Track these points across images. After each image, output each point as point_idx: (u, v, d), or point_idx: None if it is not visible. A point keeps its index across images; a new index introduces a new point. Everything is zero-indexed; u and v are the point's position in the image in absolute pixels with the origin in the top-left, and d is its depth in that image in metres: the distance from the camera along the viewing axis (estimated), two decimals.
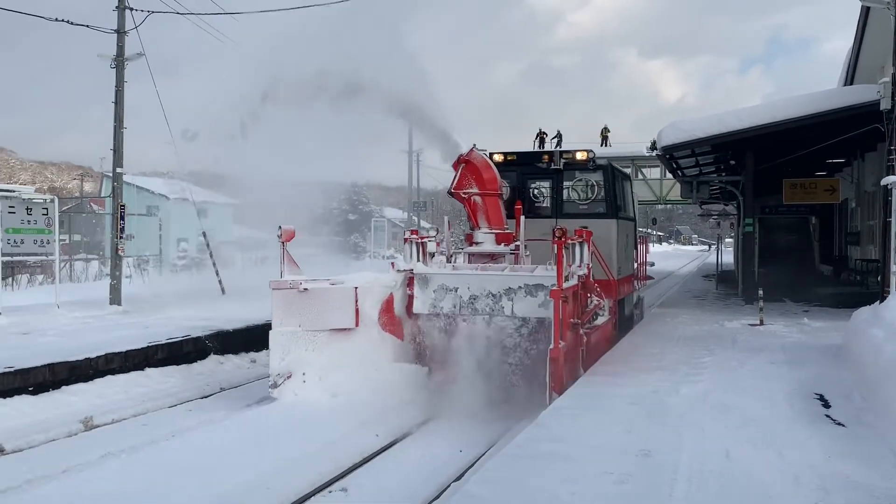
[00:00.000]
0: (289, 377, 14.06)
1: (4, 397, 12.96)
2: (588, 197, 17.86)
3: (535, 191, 18.06)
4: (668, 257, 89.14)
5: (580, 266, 14.46)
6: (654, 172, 59.41)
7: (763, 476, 7.76)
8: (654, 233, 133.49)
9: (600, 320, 15.81)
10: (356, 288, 14.55)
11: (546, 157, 17.67)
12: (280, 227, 14.15)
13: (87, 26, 25.24)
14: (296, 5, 24.75)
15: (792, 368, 13.94)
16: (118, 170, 26.51)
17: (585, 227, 16.43)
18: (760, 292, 21.93)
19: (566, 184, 17.96)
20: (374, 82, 15.08)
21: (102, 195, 67.06)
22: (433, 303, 14.79)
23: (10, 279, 32.99)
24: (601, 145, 63.25)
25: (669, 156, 28.57)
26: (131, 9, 26.14)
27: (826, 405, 11.10)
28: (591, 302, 15.01)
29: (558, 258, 12.71)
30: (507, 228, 16.04)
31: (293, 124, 18.16)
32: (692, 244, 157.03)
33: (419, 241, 15.33)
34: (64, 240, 41.86)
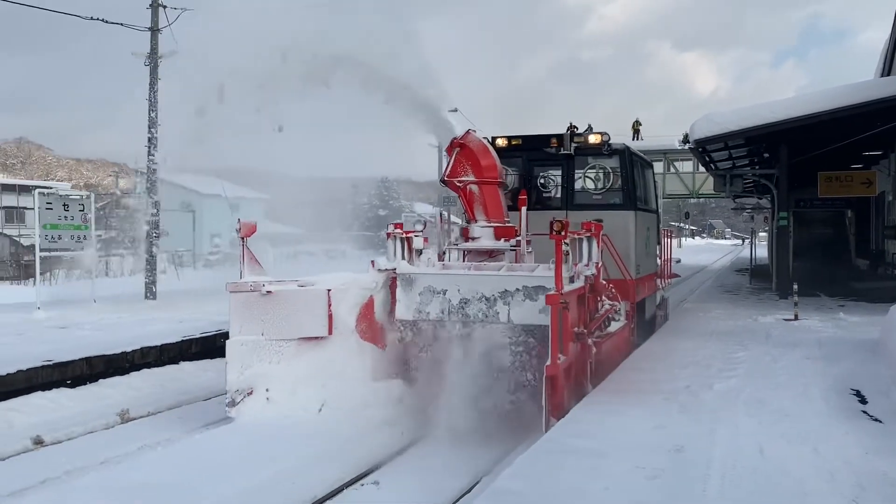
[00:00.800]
0: (249, 394, 11.79)
1: (44, 390, 13.03)
2: (602, 186, 15.28)
3: (544, 179, 15.50)
4: (701, 251, 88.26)
5: (588, 265, 11.87)
6: (686, 166, 58.87)
7: (798, 472, 7.51)
8: (687, 227, 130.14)
9: (614, 326, 13.27)
10: (329, 290, 12.15)
11: (555, 141, 15.10)
12: (238, 220, 11.80)
13: (122, 24, 25.24)
14: None
15: (828, 364, 13.37)
16: (152, 166, 26.88)
17: (599, 220, 13.92)
18: (795, 287, 20.97)
19: (578, 171, 15.37)
20: (358, 52, 12.59)
21: (137, 191, 66.06)
22: (418, 307, 12.34)
23: (48, 274, 33.10)
24: (633, 138, 62.07)
25: (702, 149, 27.63)
26: (164, 6, 26.19)
27: (863, 401, 10.72)
28: (603, 306, 12.43)
29: (557, 257, 10.18)
30: (509, 222, 13.50)
31: (318, 114, 16.07)
32: (725, 238, 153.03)
33: (403, 235, 12.81)
34: (100, 235, 41.35)
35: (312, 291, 12.11)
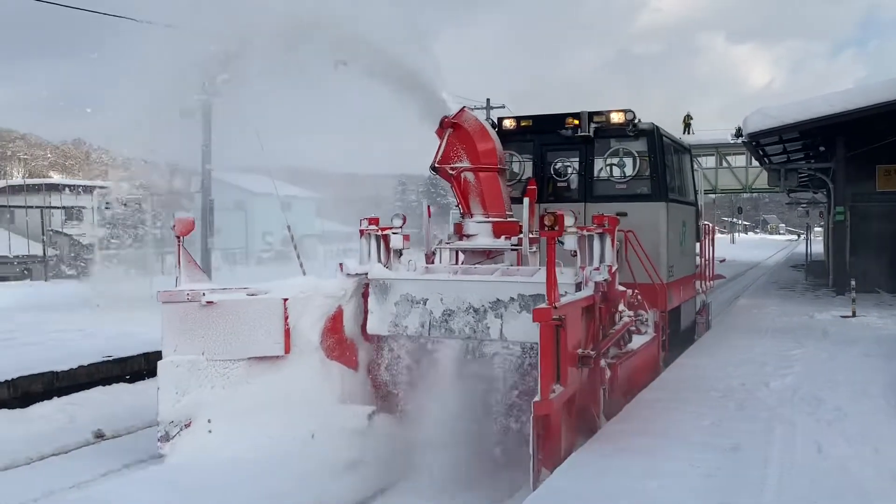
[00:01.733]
0: (187, 426, 9.32)
1: (104, 385, 12.84)
2: (627, 173, 12.50)
3: (559, 166, 12.73)
4: (755, 247, 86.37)
5: (599, 268, 9.14)
6: (739, 160, 57.10)
7: (858, 472, 7.08)
8: (740, 222, 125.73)
9: (638, 342, 10.52)
10: (285, 300, 9.60)
11: (571, 120, 12.34)
12: (174, 215, 9.38)
13: (176, 27, 23.09)
14: None
15: (887, 361, 12.51)
16: (207, 166, 26.98)
17: (623, 214, 11.21)
18: (853, 283, 19.98)
19: (599, 157, 12.60)
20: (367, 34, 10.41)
21: (192, 191, 64.93)
22: (394, 320, 9.78)
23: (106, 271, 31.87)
24: (684, 133, 59.32)
25: (756, 143, 26.38)
26: None
27: None
28: (621, 318, 9.68)
29: (549, 259, 7.50)
30: (513, 216, 10.85)
31: (363, 110, 14.13)
32: (780, 233, 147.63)
33: (379, 233, 10.19)
34: (156, 233, 40.42)
35: (264, 301, 9.61)
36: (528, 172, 12.83)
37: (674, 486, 6.72)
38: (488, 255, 10.93)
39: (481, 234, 10.81)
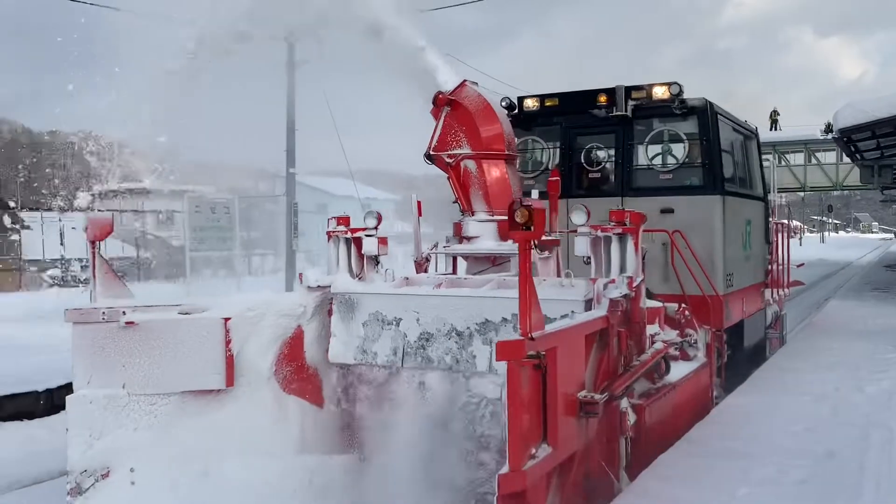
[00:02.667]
0: (104, 476, 7.19)
1: None
2: (674, 160, 9.92)
3: (591, 154, 10.20)
4: (846, 246, 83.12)
5: (614, 281, 6.67)
6: (828, 157, 54.02)
7: None
8: (830, 221, 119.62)
9: (681, 370, 7.99)
10: (226, 319, 7.38)
11: (604, 97, 9.79)
12: (87, 216, 7.30)
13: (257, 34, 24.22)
14: None
15: None
16: (291, 170, 26.90)
17: (668, 210, 8.72)
18: None
19: (639, 141, 10.05)
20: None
21: (276, 194, 64.51)
22: (361, 345, 7.46)
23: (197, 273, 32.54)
24: (770, 129, 56.38)
25: (847, 139, 25.32)
26: None
27: None
28: (653, 343, 7.18)
29: (521, 272, 5.09)
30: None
31: None
32: (873, 232, 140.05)
33: (349, 235, 7.88)
34: (243, 236, 40.15)
35: (199, 322, 7.44)
36: (557, 161, 10.37)
37: (765, 494, 6.34)
38: (493, 261, 8.54)
39: (484, 235, 8.44)
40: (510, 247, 8.29)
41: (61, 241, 47.16)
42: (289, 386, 7.70)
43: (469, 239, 8.53)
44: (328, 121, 27.25)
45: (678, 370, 8.18)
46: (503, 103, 10.13)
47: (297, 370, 7.74)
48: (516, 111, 10.31)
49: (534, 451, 5.22)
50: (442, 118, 8.53)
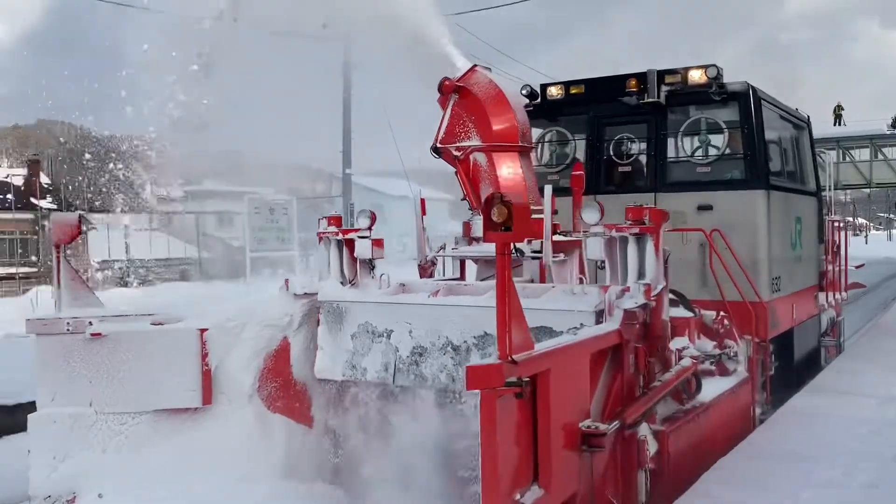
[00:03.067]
0: (70, 502, 6.47)
1: None
2: (713, 151, 8.83)
3: (621, 146, 9.15)
4: None
5: (629, 290, 5.68)
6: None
7: None
8: None
9: (714, 390, 6.95)
10: (202, 330, 6.56)
11: (634, 83, 8.72)
12: (51, 218, 6.63)
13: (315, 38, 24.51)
14: None
15: None
16: (347, 171, 27.61)
17: (706, 207, 7.68)
18: None
19: (673, 130, 8.97)
20: None
21: (333, 195, 64.27)
22: (350, 359, 6.55)
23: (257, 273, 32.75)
24: (834, 124, 54.09)
25: None
26: None
27: None
28: (681, 361, 6.17)
29: (499, 281, 4.11)
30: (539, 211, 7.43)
31: None
32: None
33: (341, 237, 6.99)
34: (301, 236, 40.22)
35: (172, 333, 6.65)
36: (583, 154, 9.36)
37: (830, 497, 6.06)
38: None
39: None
40: (523, 249, 7.33)
41: (125, 242, 47.51)
42: (273, 404, 6.87)
43: (478, 240, 7.60)
44: (384, 121, 27.56)
45: (714, 387, 7.13)
46: (523, 91, 9.15)
47: (283, 386, 6.89)
48: (539, 100, 9.31)
49: (519, 496, 4.28)
50: (449, 107, 7.63)
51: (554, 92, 9.22)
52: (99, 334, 6.43)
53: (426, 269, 7.80)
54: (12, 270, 45.14)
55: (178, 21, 7.99)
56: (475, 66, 7.75)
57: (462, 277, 7.91)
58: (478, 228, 7.60)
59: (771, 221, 8.63)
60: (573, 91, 9.16)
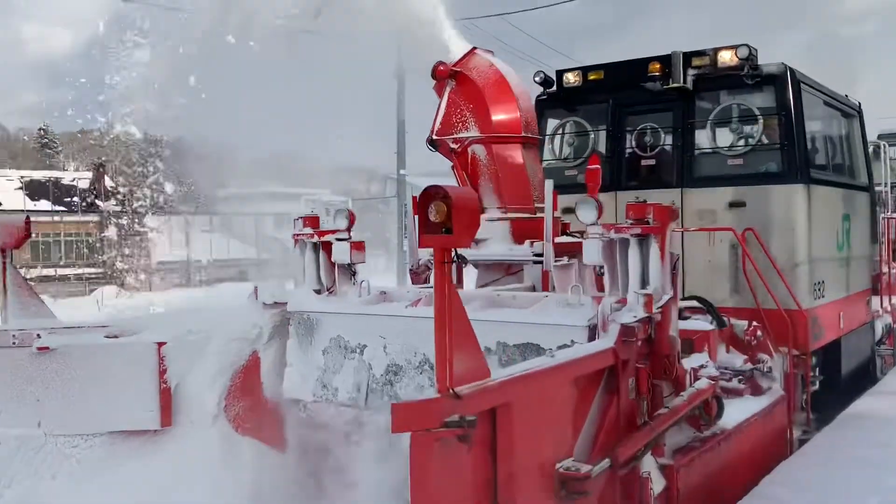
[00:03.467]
0: None
1: None
2: (746, 142, 7.79)
3: (643, 136, 8.15)
4: None
5: (625, 302, 4.72)
6: None
7: None
8: None
9: (741, 411, 5.97)
10: (160, 344, 5.79)
11: (657, 66, 7.71)
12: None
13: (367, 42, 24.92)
14: None
15: None
16: (402, 171, 27.96)
17: (739, 203, 6.71)
18: None
19: (701, 118, 7.94)
20: None
21: (387, 195, 63.89)
22: (322, 377, 5.72)
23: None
24: None
25: None
26: None
27: None
28: (696, 381, 5.20)
29: (436, 294, 3.22)
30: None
31: None
32: None
33: (318, 240, 6.17)
34: (356, 237, 40.41)
35: (128, 347, 5.91)
36: (602, 146, 8.41)
37: None
38: (507, 269, 6.69)
39: (495, 237, 6.59)
40: (524, 251, 6.44)
41: (186, 243, 47.71)
42: (242, 425, 6.05)
43: (477, 242, 6.71)
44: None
45: (742, 409, 6.15)
46: (536, 79, 8.26)
47: (253, 406, 6.08)
48: (555, 88, 8.38)
49: None
50: (445, 95, 6.78)
51: (571, 79, 8.27)
52: (46, 348, 5.73)
53: (420, 275, 6.93)
54: (78, 271, 45.61)
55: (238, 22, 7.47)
56: (474, 48, 6.89)
57: (459, 283, 7.03)
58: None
59: (812, 219, 7.56)
60: (592, 77, 8.20)
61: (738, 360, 6.66)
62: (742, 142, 7.80)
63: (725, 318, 6.79)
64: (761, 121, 7.64)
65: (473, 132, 6.69)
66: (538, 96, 8.48)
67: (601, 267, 5.09)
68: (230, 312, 6.22)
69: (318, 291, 6.16)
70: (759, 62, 7.63)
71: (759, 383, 6.66)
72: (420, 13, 6.85)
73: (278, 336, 6.10)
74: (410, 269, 6.98)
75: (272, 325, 6.07)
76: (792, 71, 7.57)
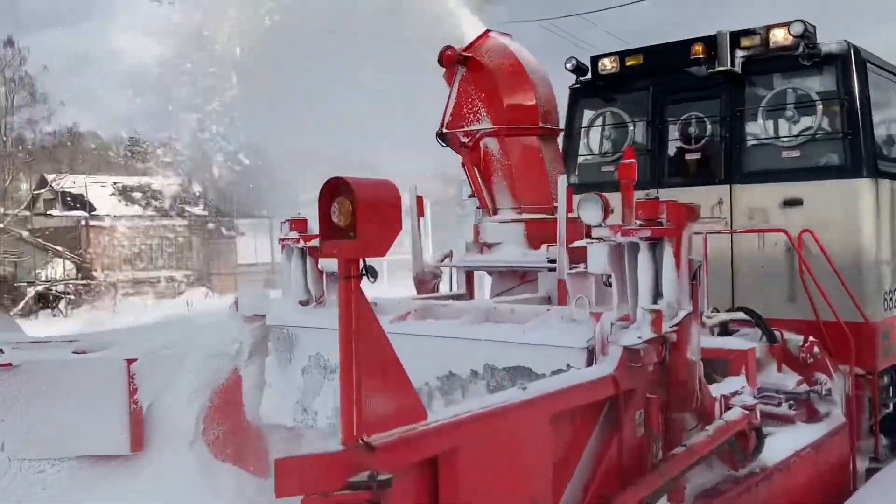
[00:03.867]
0: None
1: None
2: (803, 131, 6.76)
3: (687, 127, 7.17)
4: None
5: (629, 318, 3.85)
6: None
7: None
8: None
9: (791, 442, 5.00)
10: (130, 361, 5.17)
11: (700, 48, 6.74)
12: None
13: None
14: None
15: None
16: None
17: (796, 201, 5.74)
18: None
19: (752, 105, 6.92)
20: None
21: (463, 198, 64.12)
22: (301, 400, 4.98)
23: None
24: None
25: None
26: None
27: None
28: (727, 412, 4.28)
29: (341, 314, 2.42)
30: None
31: None
32: None
33: (304, 245, 5.44)
34: (434, 239, 40.47)
35: (95, 364, 5.30)
36: (640, 139, 7.48)
37: None
38: (523, 277, 5.87)
39: (508, 241, 5.79)
40: (538, 256, 5.60)
41: (271, 246, 47.92)
42: (222, 450, 5.41)
43: (489, 247, 5.91)
44: None
45: (793, 439, 5.19)
46: (568, 65, 7.39)
47: (234, 430, 5.44)
48: (589, 75, 7.50)
49: None
50: (456, 84, 6.00)
51: (607, 65, 7.36)
52: (9, 364, 5.17)
53: (426, 284, 6.15)
54: (168, 273, 46.28)
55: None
56: (487, 31, 6.10)
57: (469, 294, 6.23)
58: (486, 232, 5.94)
59: (880, 218, 6.51)
60: (630, 63, 7.27)
61: (790, 381, 5.69)
62: (798, 131, 6.77)
63: (778, 333, 5.84)
64: (821, 107, 6.59)
65: (485, 124, 5.90)
66: (571, 86, 7.61)
67: (608, 276, 4.25)
68: (209, 325, 5.58)
69: (305, 302, 5.46)
70: (784, 22, 6.62)
71: (816, 408, 5.68)
72: None
73: (259, 352, 5.43)
74: (414, 277, 6.19)
75: (252, 340, 5.40)
76: (856, 49, 6.51)
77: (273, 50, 7.02)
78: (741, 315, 5.97)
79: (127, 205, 51.07)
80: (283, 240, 5.58)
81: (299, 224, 5.53)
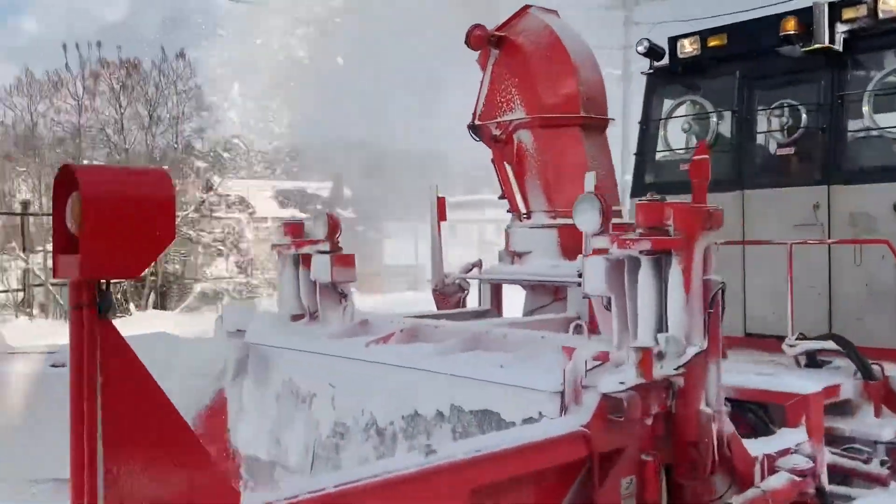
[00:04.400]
0: None
1: None
2: None
3: (778, 116, 5.94)
4: None
5: (607, 357, 2.85)
6: None
7: None
8: None
9: None
10: None
11: (792, 23, 5.53)
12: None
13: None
14: None
15: None
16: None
17: None
18: None
19: (856, 90, 5.62)
20: None
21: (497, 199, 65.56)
22: (273, 431, 4.23)
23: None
24: None
25: None
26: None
27: None
28: (770, 477, 3.22)
29: (73, 371, 1.67)
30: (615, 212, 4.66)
31: None
32: None
33: (293, 250, 4.70)
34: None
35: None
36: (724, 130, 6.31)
37: None
38: (556, 293, 4.92)
39: (538, 250, 4.86)
40: (569, 269, 4.65)
41: (415, 248, 48.20)
42: None
43: (519, 256, 5.00)
44: None
45: None
46: (640, 48, 6.29)
47: (217, 456, 4.75)
48: (666, 59, 6.38)
49: None
50: (489, 69, 5.13)
51: (687, 46, 6.22)
52: None
53: (447, 298, 5.28)
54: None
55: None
56: (527, 6, 5.19)
57: (497, 310, 5.30)
58: (515, 239, 5.02)
59: None
60: (712, 44, 6.11)
61: (889, 429, 4.48)
62: None
63: (878, 367, 4.63)
64: None
65: (519, 113, 4.99)
66: (645, 72, 6.52)
67: (607, 298, 3.28)
68: (194, 342, 4.94)
69: (299, 317, 4.72)
70: None
71: (881, 470, 4.44)
72: None
73: (245, 372, 4.73)
74: (434, 290, 5.33)
75: (235, 359, 4.70)
76: None
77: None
78: (830, 344, 4.79)
79: (284, 207, 52.70)
80: (276, 245, 4.87)
81: (294, 228, 4.80)
